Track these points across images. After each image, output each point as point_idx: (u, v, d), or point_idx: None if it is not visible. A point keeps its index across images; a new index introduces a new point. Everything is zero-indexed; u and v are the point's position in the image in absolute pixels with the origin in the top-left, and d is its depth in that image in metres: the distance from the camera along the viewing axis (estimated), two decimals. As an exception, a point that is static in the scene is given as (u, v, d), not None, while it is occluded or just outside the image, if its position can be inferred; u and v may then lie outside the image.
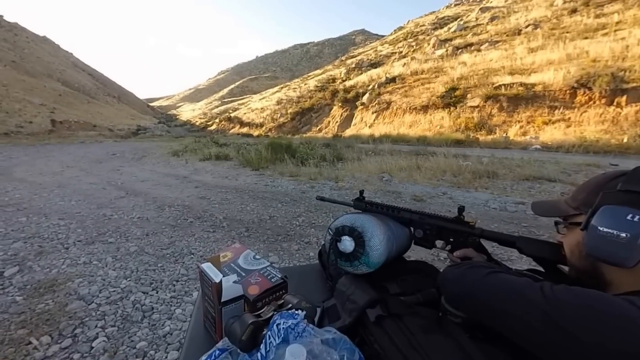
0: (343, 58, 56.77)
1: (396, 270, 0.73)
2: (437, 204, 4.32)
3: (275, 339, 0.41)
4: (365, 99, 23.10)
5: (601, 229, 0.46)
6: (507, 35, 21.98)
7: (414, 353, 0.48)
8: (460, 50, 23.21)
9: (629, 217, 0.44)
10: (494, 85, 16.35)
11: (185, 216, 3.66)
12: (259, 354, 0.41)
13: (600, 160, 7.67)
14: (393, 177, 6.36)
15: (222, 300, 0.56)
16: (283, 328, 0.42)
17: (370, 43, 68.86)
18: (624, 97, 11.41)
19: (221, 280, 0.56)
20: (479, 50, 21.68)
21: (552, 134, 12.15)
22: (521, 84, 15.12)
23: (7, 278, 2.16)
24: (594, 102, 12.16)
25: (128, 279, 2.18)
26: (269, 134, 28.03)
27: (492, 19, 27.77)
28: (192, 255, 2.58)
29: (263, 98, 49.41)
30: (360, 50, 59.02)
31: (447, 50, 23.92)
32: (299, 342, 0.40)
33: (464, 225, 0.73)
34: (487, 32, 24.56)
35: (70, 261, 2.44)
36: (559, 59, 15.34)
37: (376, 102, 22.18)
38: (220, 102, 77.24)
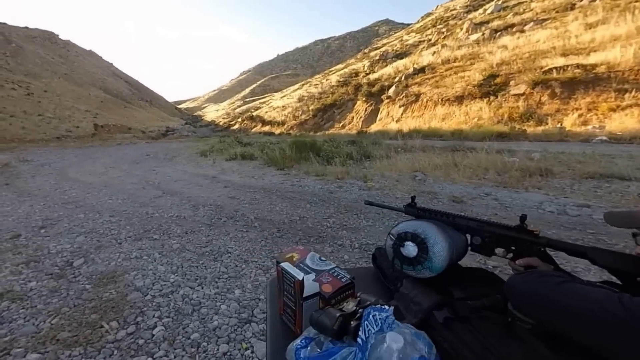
0: (366, 51, 55.03)
1: (457, 275, 0.75)
2: (480, 206, 3.95)
3: (373, 327, 0.48)
4: (391, 92, 21.85)
5: None
6: (556, 12, 19.62)
7: (488, 354, 0.50)
8: (499, 33, 21.15)
9: None
10: (542, 70, 14.48)
11: (218, 215, 3.80)
12: (359, 339, 0.47)
13: None
14: (427, 175, 5.79)
15: (304, 296, 0.64)
16: (379, 319, 0.48)
17: (395, 33, 66.30)
18: None
19: (303, 279, 0.64)
20: (522, 32, 19.56)
21: (623, 122, 10.33)
22: (578, 66, 13.19)
23: (76, 268, 2.47)
24: (679, 82, 10.14)
25: (175, 274, 2.36)
26: (291, 131, 27.63)
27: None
28: (229, 254, 2.70)
29: (284, 96, 49.33)
30: (385, 41, 56.89)
31: (483, 34, 21.94)
32: (395, 332, 0.46)
33: (528, 234, 0.71)
34: (531, 10, 22.20)
35: (124, 255, 2.71)
36: (627, 33, 13.18)
37: (404, 94, 20.86)
38: (242, 102, 78.82)
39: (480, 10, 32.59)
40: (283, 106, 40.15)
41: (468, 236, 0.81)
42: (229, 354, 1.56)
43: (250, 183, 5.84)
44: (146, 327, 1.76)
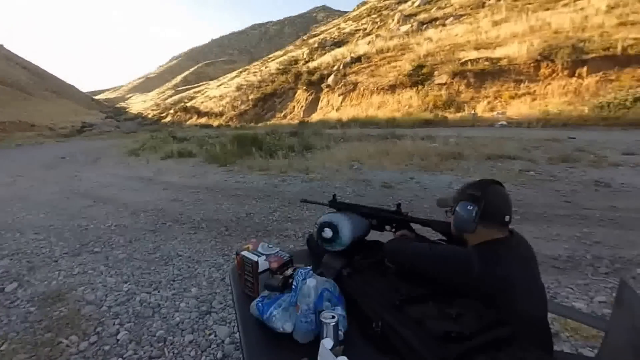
0: (305, 37, 54.66)
1: (360, 246, 1.11)
2: (405, 190, 4.46)
3: (299, 278, 0.78)
4: (330, 80, 22.29)
5: (458, 213, 0.84)
6: (471, 9, 22.12)
7: (368, 287, 0.84)
8: (425, 25, 23.03)
9: (469, 207, 0.81)
10: (460, 61, 16.30)
11: (162, 220, 3.68)
12: (293, 286, 0.79)
13: (560, 134, 7.87)
14: (363, 165, 6.20)
15: (259, 271, 0.93)
16: (303, 273, 0.79)
17: (333, 20, 67.16)
18: (585, 68, 11.77)
19: (258, 260, 0.94)
20: (444, 25, 21.62)
21: (519, 108, 12.34)
22: (487, 59, 15.19)
23: (11, 293, 2.29)
24: (557, 74, 12.46)
25: (128, 283, 2.32)
26: (230, 123, 26.36)
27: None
28: (180, 257, 2.71)
29: (221, 84, 46.44)
30: (323, 28, 57.21)
31: (412, 26, 23.64)
32: (312, 278, 0.78)
33: (400, 215, 1.12)
34: (451, 5, 24.59)
35: (65, 272, 2.56)
36: (523, 31, 15.58)
37: (342, 83, 21.47)
38: (174, 91, 71.78)
39: (410, 2, 34.91)
40: (220, 96, 37.85)
41: (370, 220, 1.19)
42: (194, 341, 1.70)
43: (192, 183, 5.60)
44: (108, 334, 1.79)
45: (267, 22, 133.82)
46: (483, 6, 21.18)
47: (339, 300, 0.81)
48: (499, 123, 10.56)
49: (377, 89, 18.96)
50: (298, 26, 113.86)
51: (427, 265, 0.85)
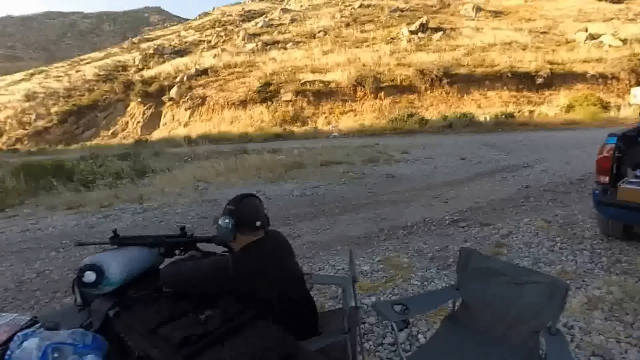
0: (135, 40, 47.80)
1: (141, 279, 1.08)
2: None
3: (16, 343, 0.69)
4: (173, 93, 20.56)
5: (219, 226, 0.99)
6: (306, 37, 26.04)
7: (133, 320, 0.85)
8: (269, 46, 25.21)
9: (226, 220, 0.97)
10: (300, 82, 18.95)
11: None
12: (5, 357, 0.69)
13: (370, 141, 10.60)
14: (210, 184, 6.07)
15: None
16: (22, 335, 0.71)
17: (171, 25, 62.19)
18: (383, 93, 16.37)
19: None
20: (285, 48, 24.39)
21: (347, 122, 15.62)
22: (321, 81, 18.38)
23: None
24: (368, 96, 16.68)
25: None
26: (18, 146, 19.38)
27: (292, 20, 32.08)
28: None
29: (-1, 89, 33.35)
30: (159, 32, 51.93)
31: (257, 45, 25.32)
32: (34, 338, 0.69)
33: (185, 237, 1.15)
34: (289, 32, 28.08)
35: None
36: (343, 62, 19.82)
37: (188, 96, 20.26)
38: None
39: (253, 22, 37.27)
40: (-3, 106, 27.19)
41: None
42: None
43: None
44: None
45: (75, 13, 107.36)
46: (314, 37, 25.47)
47: (92, 347, 0.75)
48: (333, 134, 13.02)
49: (227, 103, 19.08)
50: (124, 25, 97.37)
51: (192, 281, 0.96)
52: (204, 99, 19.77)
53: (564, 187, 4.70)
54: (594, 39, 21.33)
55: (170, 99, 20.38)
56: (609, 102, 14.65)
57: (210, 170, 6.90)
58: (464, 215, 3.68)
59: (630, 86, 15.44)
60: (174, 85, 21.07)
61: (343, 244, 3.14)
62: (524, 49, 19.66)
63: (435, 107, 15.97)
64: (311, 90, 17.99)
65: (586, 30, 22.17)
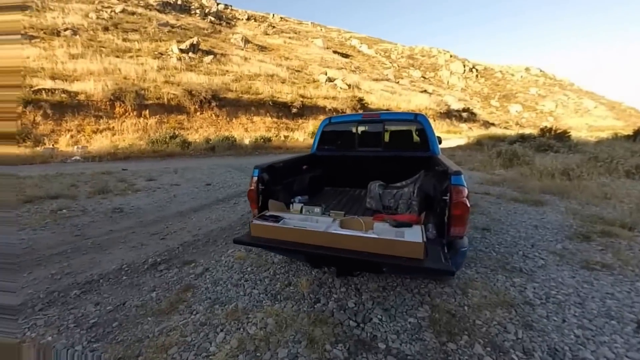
0: None
1: None
2: None
3: None
4: None
5: None
6: (45, 33, 21.79)
7: None
8: (-25, 33, 19.17)
9: None
10: (33, 89, 15.82)
11: None
12: None
13: (117, 166, 10.56)
14: None
15: None
16: None
17: None
18: (148, 111, 16.60)
19: None
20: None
21: (102, 142, 14.63)
22: (64, 91, 16.12)
23: None
24: (129, 114, 16.37)
25: None
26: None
27: (23, 7, 25.76)
28: None
29: None
30: None
31: (-51, 28, 18.59)
32: None
33: None
34: (16, 21, 22.43)
35: None
36: (98, 70, 18.33)
37: None
38: None
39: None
40: None
41: None
42: None
43: None
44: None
45: None
46: (58, 35, 21.83)
47: None
48: (73, 158, 11.95)
49: None
50: None
51: None
52: None
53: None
54: (331, 81, 31.05)
55: None
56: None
57: None
58: (172, 254, 3.70)
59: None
60: None
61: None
62: (283, 82, 25.72)
63: (205, 129, 17.91)
64: (49, 101, 15.46)
65: (326, 74, 31.85)
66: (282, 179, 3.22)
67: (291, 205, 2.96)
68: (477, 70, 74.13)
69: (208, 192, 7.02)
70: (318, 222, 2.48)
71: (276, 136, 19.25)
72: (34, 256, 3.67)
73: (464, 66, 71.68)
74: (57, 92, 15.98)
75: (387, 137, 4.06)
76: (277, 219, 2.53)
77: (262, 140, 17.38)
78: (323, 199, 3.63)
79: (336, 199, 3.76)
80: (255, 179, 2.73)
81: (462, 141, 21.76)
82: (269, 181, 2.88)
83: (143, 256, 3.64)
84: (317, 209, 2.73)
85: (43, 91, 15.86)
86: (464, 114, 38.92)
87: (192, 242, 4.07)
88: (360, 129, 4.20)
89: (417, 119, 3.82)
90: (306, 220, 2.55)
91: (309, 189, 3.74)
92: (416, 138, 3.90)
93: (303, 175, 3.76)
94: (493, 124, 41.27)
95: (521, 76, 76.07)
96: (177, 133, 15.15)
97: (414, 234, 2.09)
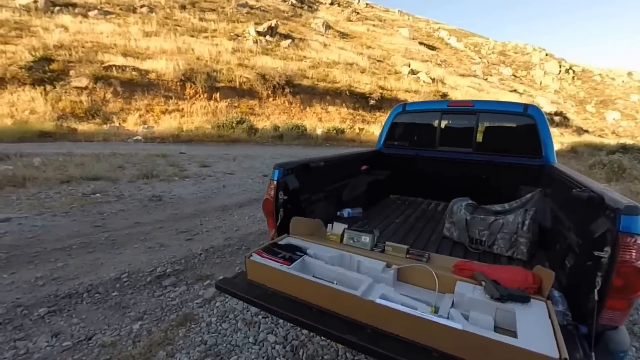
0: None
1: None
2: None
3: None
4: None
5: None
6: (120, 9, 22.15)
7: None
8: (58, 7, 19.90)
9: None
10: (103, 65, 15.54)
11: None
12: None
13: (175, 149, 9.42)
14: None
15: None
16: None
17: None
18: (219, 94, 15.42)
19: None
20: (85, 16, 19.84)
21: (169, 123, 13.66)
22: (135, 69, 15.60)
23: None
24: (200, 96, 15.30)
25: None
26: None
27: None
28: None
29: None
30: None
31: (36, 2, 19.48)
32: None
33: None
34: (97, -4, 23.25)
35: None
36: (171, 50, 17.73)
37: None
38: None
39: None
40: None
41: None
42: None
43: None
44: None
45: None
46: (135, 11, 22.03)
47: None
48: (135, 137, 10.91)
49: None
50: None
51: None
52: None
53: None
54: (414, 74, 28.22)
55: None
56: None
57: None
58: (189, 263, 3.03)
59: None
60: None
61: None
62: (362, 72, 23.54)
63: (276, 116, 16.35)
64: (119, 78, 14.98)
65: (409, 66, 29.07)
66: (324, 184, 2.51)
67: (330, 225, 1.95)
68: (573, 71, 65.94)
69: (263, 184, 6.21)
70: (360, 265, 1.62)
71: (350, 128, 17.43)
72: (33, 250, 3.11)
73: (560, 66, 63.92)
74: (127, 69, 15.48)
75: (481, 135, 3.13)
76: (294, 252, 1.64)
77: (334, 131, 15.59)
78: (383, 213, 2.86)
79: (401, 215, 2.87)
80: (275, 184, 1.90)
81: (555, 147, 18.37)
82: (298, 189, 2.02)
83: (154, 262, 3.02)
84: (366, 238, 1.80)
85: (114, 67, 15.50)
86: (556, 118, 33.98)
87: (220, 247, 3.41)
88: (444, 122, 3.33)
89: (527, 111, 2.87)
90: (341, 259, 1.68)
91: (365, 198, 3.00)
92: (524, 138, 2.91)
93: (359, 179, 3.05)
94: (587, 131, 35.71)
95: (622, 81, 66.18)
96: (244, 118, 13.72)
97: (538, 326, 1.06)
